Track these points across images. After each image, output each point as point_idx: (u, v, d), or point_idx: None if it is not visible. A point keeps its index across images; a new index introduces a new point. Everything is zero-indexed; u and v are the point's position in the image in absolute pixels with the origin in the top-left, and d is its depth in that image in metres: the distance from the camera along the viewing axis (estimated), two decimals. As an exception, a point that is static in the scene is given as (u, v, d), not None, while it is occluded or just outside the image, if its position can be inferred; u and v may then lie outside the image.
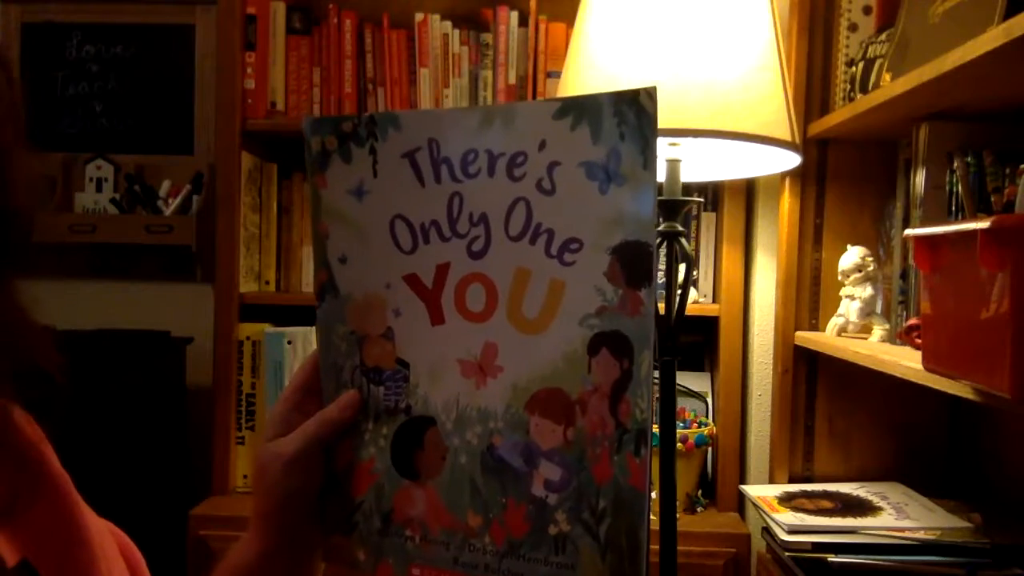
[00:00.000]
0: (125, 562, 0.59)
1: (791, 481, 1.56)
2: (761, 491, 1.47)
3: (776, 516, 1.31)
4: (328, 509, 0.66)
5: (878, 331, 1.36)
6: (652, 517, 1.60)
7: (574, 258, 0.58)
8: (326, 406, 0.65)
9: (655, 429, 1.30)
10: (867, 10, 1.49)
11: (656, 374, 1.24)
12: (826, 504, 1.37)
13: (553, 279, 0.59)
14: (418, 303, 0.64)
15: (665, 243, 1.31)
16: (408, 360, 0.64)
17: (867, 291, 1.38)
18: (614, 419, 0.57)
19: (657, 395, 1.31)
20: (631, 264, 0.57)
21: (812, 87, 1.54)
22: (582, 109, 0.58)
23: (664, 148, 1.31)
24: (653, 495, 1.62)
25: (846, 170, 1.55)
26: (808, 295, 1.56)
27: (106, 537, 0.58)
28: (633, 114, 0.56)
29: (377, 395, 0.65)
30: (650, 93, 0.56)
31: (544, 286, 0.59)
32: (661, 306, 1.33)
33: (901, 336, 1.25)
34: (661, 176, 1.32)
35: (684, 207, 1.30)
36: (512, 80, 1.78)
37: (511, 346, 0.60)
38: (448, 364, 0.63)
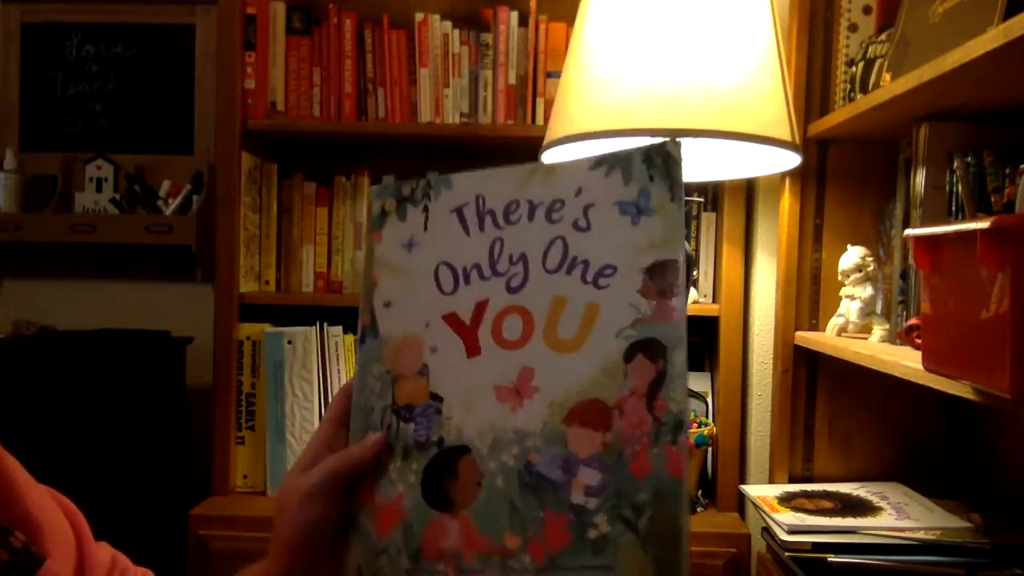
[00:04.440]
0: (67, 517, 0.63)
1: (791, 481, 1.56)
2: (761, 491, 1.47)
3: (776, 516, 1.31)
4: (348, 555, 0.65)
5: (878, 331, 1.36)
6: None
7: (608, 282, 0.61)
8: (351, 445, 0.66)
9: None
10: (867, 10, 1.49)
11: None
12: (826, 504, 1.37)
13: (589, 303, 0.61)
14: (455, 338, 0.65)
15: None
16: (441, 394, 0.65)
17: (867, 291, 1.38)
18: (651, 415, 0.58)
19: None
20: (663, 278, 0.60)
21: (812, 87, 1.54)
22: (615, 160, 0.63)
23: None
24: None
25: (846, 170, 1.54)
26: (808, 295, 1.56)
27: (45, 498, 0.61)
28: (661, 160, 0.61)
29: (407, 431, 0.65)
30: (676, 143, 0.61)
31: (580, 310, 0.62)
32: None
33: (901, 336, 1.24)
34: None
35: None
36: (512, 80, 1.78)
37: (548, 367, 0.62)
38: (483, 392, 0.63)
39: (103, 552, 0.68)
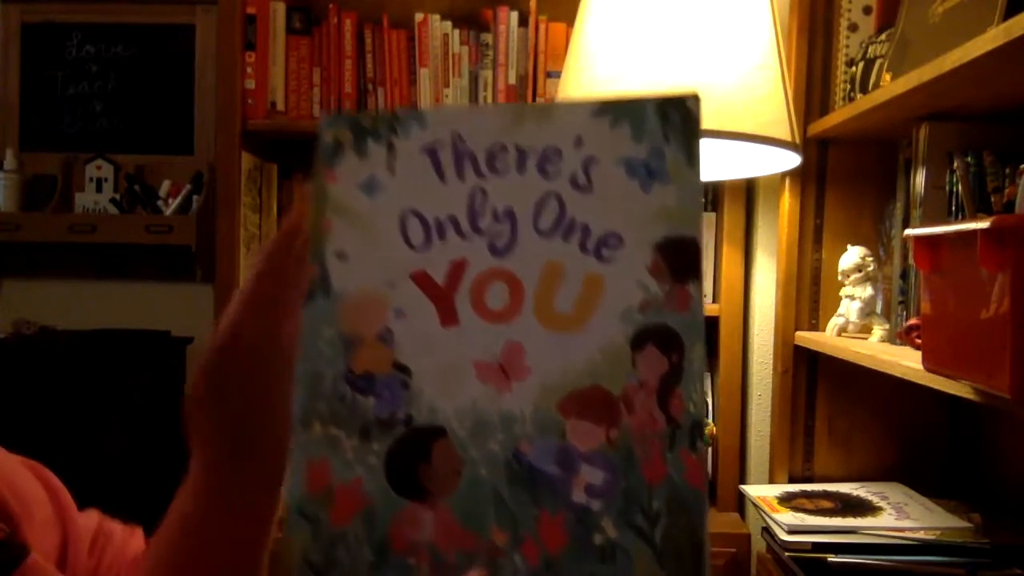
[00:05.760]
0: (45, 489, 0.62)
1: (791, 481, 1.55)
2: (761, 491, 1.47)
3: (776, 516, 1.31)
4: (293, 545, 0.56)
5: (878, 331, 1.36)
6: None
7: (613, 254, 0.55)
8: (296, 419, 0.57)
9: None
10: (867, 10, 1.49)
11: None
12: (826, 504, 1.37)
13: (589, 274, 0.55)
14: (426, 303, 0.58)
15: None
16: (409, 365, 0.57)
17: (867, 291, 1.38)
18: (664, 414, 0.53)
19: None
20: (676, 258, 0.54)
21: (812, 87, 1.54)
22: (623, 109, 0.55)
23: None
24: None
25: (846, 170, 1.54)
26: (808, 295, 1.56)
27: (19, 473, 0.61)
28: (679, 117, 0.55)
29: (365, 406, 0.57)
30: (696, 97, 0.54)
31: (579, 282, 0.55)
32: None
33: (901, 336, 1.24)
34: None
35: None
36: (512, 80, 1.78)
37: (540, 345, 0.55)
38: (462, 368, 0.56)
39: (88, 520, 0.67)
